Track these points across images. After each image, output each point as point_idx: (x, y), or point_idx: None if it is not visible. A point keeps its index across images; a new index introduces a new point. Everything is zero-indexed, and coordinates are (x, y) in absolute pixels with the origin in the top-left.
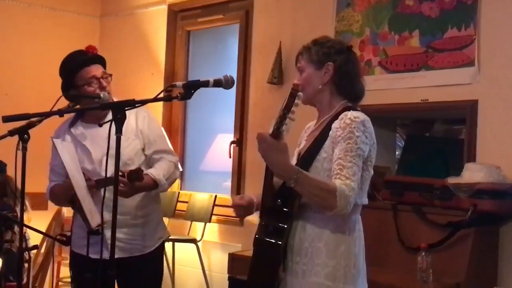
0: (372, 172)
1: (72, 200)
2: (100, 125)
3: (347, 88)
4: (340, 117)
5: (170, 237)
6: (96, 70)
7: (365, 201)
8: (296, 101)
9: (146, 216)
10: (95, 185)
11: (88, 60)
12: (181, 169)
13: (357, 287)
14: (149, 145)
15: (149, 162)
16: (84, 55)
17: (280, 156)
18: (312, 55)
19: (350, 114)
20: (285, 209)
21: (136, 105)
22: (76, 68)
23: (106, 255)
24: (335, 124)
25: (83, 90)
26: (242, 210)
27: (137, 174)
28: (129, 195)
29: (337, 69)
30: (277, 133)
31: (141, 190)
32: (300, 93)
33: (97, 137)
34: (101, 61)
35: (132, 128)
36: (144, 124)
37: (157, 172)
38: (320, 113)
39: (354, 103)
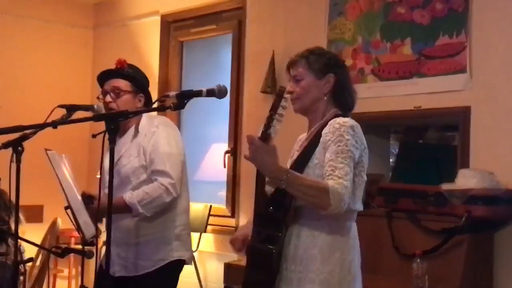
0: (365, 177)
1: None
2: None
3: (343, 100)
4: (329, 123)
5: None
6: (108, 84)
7: (359, 207)
8: (283, 103)
9: (143, 235)
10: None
11: (106, 74)
12: (175, 194)
13: None
14: (149, 164)
15: (150, 181)
16: (108, 70)
17: (269, 158)
18: (312, 64)
19: (339, 119)
20: (277, 216)
21: (130, 116)
22: (99, 80)
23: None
24: (325, 130)
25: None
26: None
27: (87, 199)
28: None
29: (337, 82)
30: (265, 136)
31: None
32: (287, 95)
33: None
34: (123, 76)
35: (137, 145)
36: (147, 141)
37: (131, 195)
38: (311, 123)
39: (344, 113)
